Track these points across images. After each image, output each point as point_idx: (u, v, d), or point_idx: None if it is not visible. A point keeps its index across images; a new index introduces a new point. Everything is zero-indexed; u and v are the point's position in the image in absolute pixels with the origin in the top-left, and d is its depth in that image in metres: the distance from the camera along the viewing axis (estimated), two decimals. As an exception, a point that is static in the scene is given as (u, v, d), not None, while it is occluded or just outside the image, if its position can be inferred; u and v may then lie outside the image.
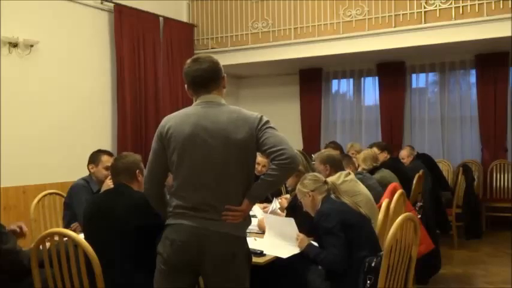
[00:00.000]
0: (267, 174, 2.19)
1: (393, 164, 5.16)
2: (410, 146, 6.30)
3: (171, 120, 2.27)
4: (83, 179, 3.81)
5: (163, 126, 2.27)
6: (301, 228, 3.07)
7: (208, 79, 2.28)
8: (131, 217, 2.54)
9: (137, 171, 2.78)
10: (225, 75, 2.35)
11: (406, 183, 4.43)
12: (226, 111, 2.23)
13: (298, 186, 3.10)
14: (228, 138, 2.17)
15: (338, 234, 2.72)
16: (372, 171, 4.70)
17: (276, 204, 3.68)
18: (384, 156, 5.39)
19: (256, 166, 4.03)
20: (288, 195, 3.86)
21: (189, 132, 2.19)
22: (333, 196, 3.00)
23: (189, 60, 2.34)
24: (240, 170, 2.20)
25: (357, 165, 4.82)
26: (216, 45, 7.28)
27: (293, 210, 3.37)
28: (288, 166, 2.14)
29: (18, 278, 2.62)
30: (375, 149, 5.35)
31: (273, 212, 3.65)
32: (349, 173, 3.77)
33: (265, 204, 3.99)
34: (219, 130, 2.17)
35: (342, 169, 3.85)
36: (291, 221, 3.02)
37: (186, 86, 2.35)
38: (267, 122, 2.22)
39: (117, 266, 2.48)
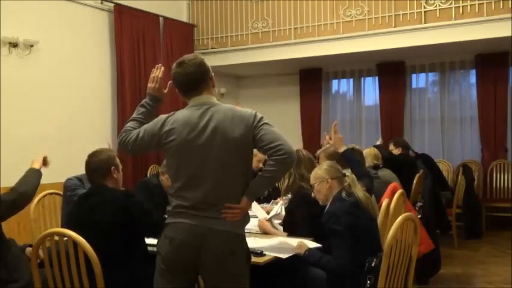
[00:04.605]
0: (264, 171, 2.19)
1: (402, 157, 5.35)
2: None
3: (173, 118, 2.24)
4: (76, 177, 3.79)
5: (169, 119, 2.24)
6: (301, 231, 3.06)
7: (196, 81, 2.26)
8: (116, 219, 2.48)
9: (112, 168, 2.67)
10: (213, 74, 2.32)
11: (412, 175, 4.61)
12: (221, 111, 2.22)
13: (316, 170, 3.00)
14: (226, 136, 2.17)
15: (346, 237, 2.69)
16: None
17: (281, 208, 3.65)
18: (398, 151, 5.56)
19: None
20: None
21: (187, 134, 2.19)
22: (343, 195, 2.89)
23: (174, 64, 2.30)
24: (239, 167, 2.20)
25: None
26: (216, 45, 7.28)
27: (291, 213, 3.35)
28: (286, 161, 2.14)
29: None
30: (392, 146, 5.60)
31: (279, 216, 3.62)
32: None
33: (264, 205, 3.98)
34: (216, 129, 2.17)
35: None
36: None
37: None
38: (262, 118, 2.22)
39: (108, 268, 2.39)
